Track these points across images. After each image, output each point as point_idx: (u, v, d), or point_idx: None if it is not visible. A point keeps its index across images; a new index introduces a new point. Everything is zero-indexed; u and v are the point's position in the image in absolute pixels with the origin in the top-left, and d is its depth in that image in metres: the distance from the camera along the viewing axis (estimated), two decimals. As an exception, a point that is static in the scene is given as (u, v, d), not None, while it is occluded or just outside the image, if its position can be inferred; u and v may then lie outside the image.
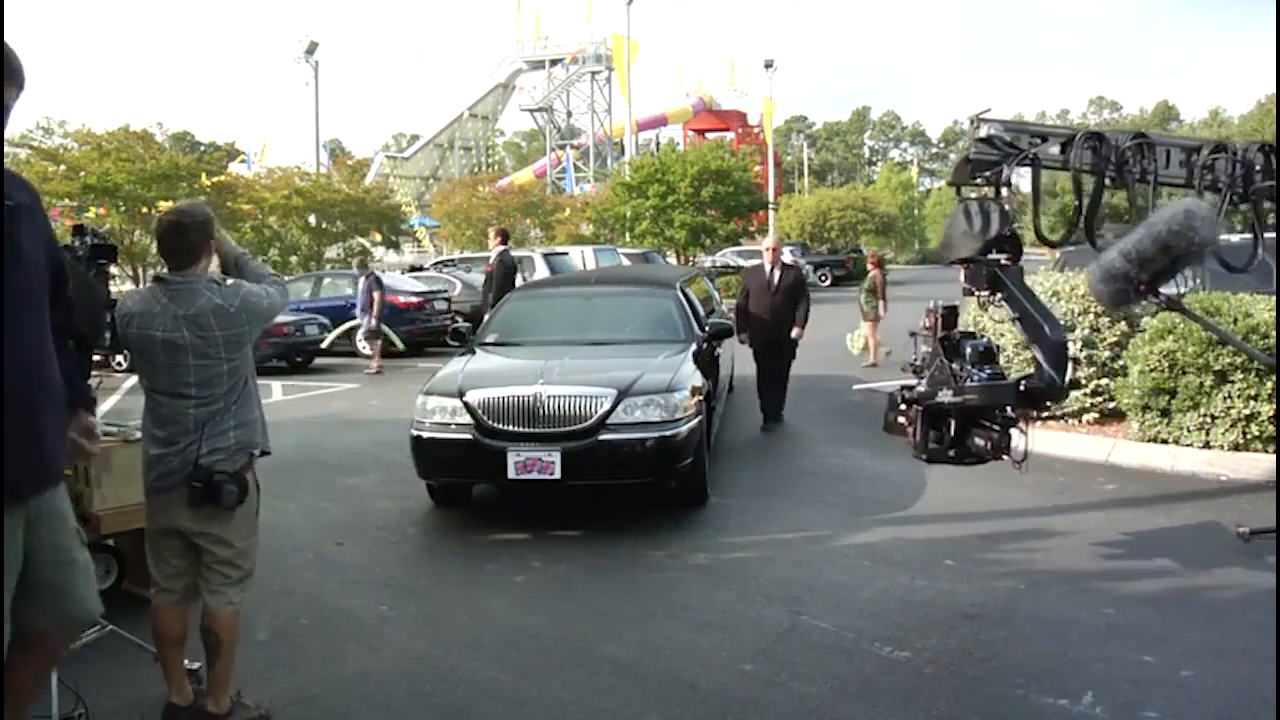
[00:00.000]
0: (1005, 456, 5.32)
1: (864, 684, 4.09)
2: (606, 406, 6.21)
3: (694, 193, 32.01)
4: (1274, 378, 7.22)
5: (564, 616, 4.89)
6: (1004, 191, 5.16)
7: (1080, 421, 8.66)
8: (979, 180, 5.23)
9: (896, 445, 8.59)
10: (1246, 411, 7.32)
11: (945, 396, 5.18)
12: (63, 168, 24.24)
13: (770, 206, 41.50)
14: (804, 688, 4.06)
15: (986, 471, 7.99)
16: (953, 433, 5.30)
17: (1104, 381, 8.59)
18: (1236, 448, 7.38)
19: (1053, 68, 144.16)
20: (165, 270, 3.67)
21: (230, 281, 3.70)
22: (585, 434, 6.18)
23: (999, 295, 5.14)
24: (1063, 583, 5.17)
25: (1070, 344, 5.46)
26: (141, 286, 3.89)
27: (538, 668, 4.30)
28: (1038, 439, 8.65)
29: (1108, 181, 5.15)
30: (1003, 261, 5.15)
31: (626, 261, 22.73)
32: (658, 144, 56.31)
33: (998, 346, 5.46)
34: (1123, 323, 8.72)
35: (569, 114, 59.31)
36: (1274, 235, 5.36)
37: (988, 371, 5.07)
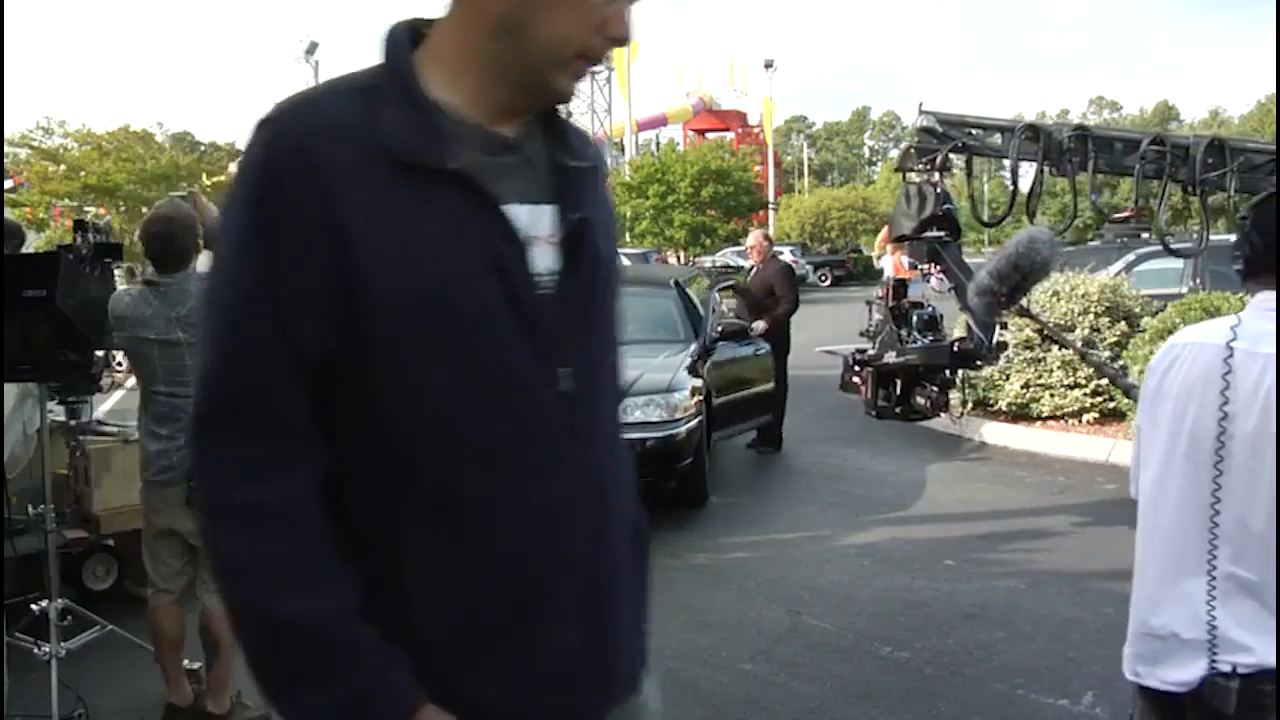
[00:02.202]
0: (944, 414, 6.32)
1: (864, 684, 4.09)
2: (606, 406, 6.20)
3: (694, 193, 31.99)
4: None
5: (564, 616, 4.88)
6: (938, 175, 5.84)
7: (1080, 421, 8.66)
8: (920, 166, 5.88)
9: (896, 445, 8.62)
10: None
11: (890, 358, 5.85)
12: (63, 168, 24.27)
13: (770, 206, 41.49)
14: (804, 688, 4.06)
15: (987, 471, 8.02)
16: (899, 391, 5.98)
17: (1104, 381, 8.58)
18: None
19: (1053, 68, 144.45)
20: (153, 272, 3.65)
21: None
22: (585, 434, 6.17)
23: (938, 268, 5.74)
24: (1063, 583, 5.17)
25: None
26: (130, 287, 3.84)
27: (538, 668, 4.29)
28: (1038, 439, 8.70)
29: (1052, 171, 5.69)
30: (944, 238, 5.72)
31: (626, 261, 22.72)
32: (658, 144, 56.30)
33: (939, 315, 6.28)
34: (1123, 323, 8.75)
35: (569, 114, 59.02)
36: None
37: (930, 337, 5.67)
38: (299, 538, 1.11)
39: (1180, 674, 1.87)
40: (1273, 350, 1.79)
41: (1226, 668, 1.79)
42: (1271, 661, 1.76)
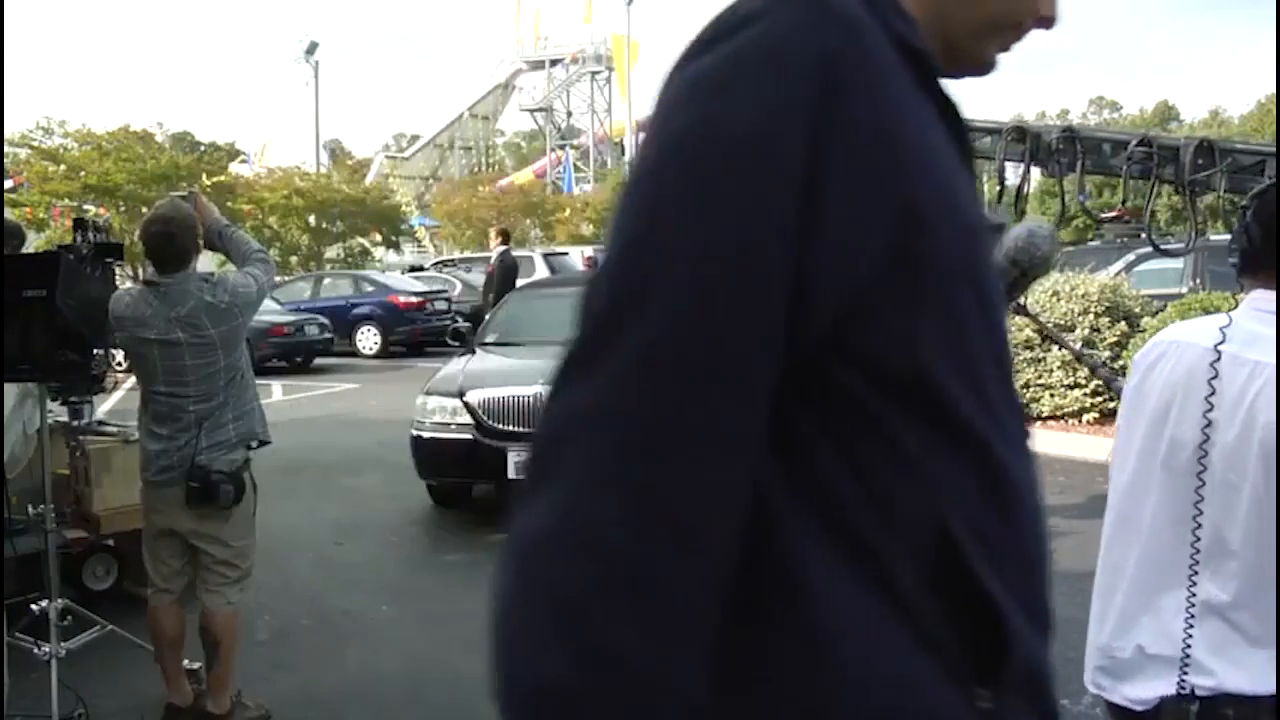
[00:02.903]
0: None
1: (864, 684, 4.08)
2: (606, 406, 6.20)
3: (694, 193, 32.02)
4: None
5: (564, 616, 4.89)
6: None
7: (1080, 421, 8.66)
8: None
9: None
10: None
11: None
12: (63, 168, 24.26)
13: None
14: (804, 688, 4.05)
15: (987, 471, 8.02)
16: None
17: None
18: None
19: (1053, 68, 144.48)
20: (154, 273, 3.65)
21: (217, 276, 3.69)
22: (585, 434, 6.18)
23: None
24: (1063, 583, 5.13)
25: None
26: (130, 287, 3.84)
27: (538, 668, 4.29)
28: (1038, 439, 8.68)
29: (1044, 172, 5.89)
30: None
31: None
32: (658, 144, 56.20)
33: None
34: (1123, 322, 8.77)
35: (569, 114, 59.35)
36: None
37: None
38: (715, 568, 0.76)
39: (1142, 691, 1.77)
40: (1262, 357, 1.68)
41: (1186, 689, 1.72)
42: (1232, 686, 1.68)
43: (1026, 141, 5.88)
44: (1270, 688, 1.66)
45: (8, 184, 22.63)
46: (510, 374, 6.74)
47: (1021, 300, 3.79)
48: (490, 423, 6.27)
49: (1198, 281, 10.37)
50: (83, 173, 23.74)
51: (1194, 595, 1.73)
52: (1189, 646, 1.72)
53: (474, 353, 7.46)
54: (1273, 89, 51.91)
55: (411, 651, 4.50)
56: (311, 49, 34.06)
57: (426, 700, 4.01)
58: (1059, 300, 8.76)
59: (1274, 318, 1.72)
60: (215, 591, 3.64)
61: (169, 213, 3.62)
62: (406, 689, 4.11)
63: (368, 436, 9.58)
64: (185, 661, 3.82)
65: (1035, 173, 6.32)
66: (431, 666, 4.33)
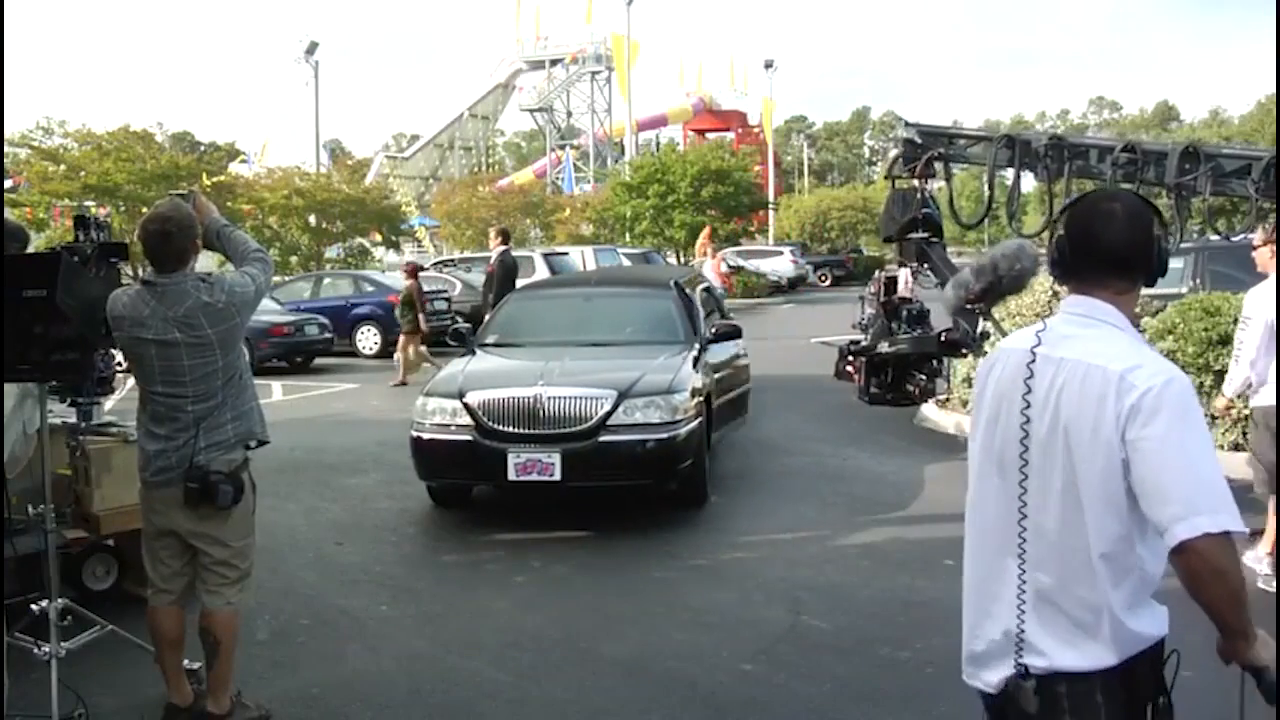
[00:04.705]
0: (931, 400, 7.15)
1: (864, 684, 4.09)
2: (607, 408, 6.20)
3: (694, 193, 32.01)
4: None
5: (564, 616, 4.89)
6: (919, 182, 6.58)
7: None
8: (905, 173, 6.61)
9: (896, 445, 8.62)
10: (1246, 411, 7.31)
11: (883, 348, 6.35)
12: (63, 168, 24.23)
13: (770, 206, 41.54)
14: (804, 688, 4.06)
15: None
16: (890, 379, 6.51)
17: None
18: (1237, 448, 7.38)
19: (1053, 68, 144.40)
20: (151, 272, 3.64)
21: (215, 276, 3.69)
22: (585, 435, 6.17)
23: (925, 265, 6.24)
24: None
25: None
26: (128, 286, 3.83)
27: (538, 668, 4.30)
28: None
29: (1036, 177, 6.31)
30: (931, 239, 6.41)
31: (626, 262, 22.73)
32: (658, 144, 56.25)
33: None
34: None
35: (569, 114, 59.28)
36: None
37: (919, 329, 6.19)
38: None
39: (992, 675, 1.93)
40: (1067, 354, 1.87)
41: (1022, 669, 1.88)
42: (1064, 664, 1.83)
43: (1016, 149, 6.14)
44: (1102, 664, 1.83)
45: (8, 184, 22.62)
46: (510, 375, 6.75)
47: (994, 312, 3.96)
48: (490, 424, 6.27)
49: (1198, 282, 10.37)
50: (83, 173, 23.69)
51: (1024, 583, 1.89)
52: (1023, 630, 1.88)
53: (474, 353, 7.46)
54: (1273, 89, 51.90)
55: (411, 651, 4.51)
56: (311, 49, 33.95)
57: (425, 700, 4.01)
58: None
59: (1084, 319, 1.92)
60: (215, 592, 3.64)
61: (168, 212, 3.61)
62: (405, 688, 4.11)
63: (367, 436, 9.57)
64: (185, 661, 3.82)
65: (1029, 178, 6.57)
66: (430, 666, 4.34)
